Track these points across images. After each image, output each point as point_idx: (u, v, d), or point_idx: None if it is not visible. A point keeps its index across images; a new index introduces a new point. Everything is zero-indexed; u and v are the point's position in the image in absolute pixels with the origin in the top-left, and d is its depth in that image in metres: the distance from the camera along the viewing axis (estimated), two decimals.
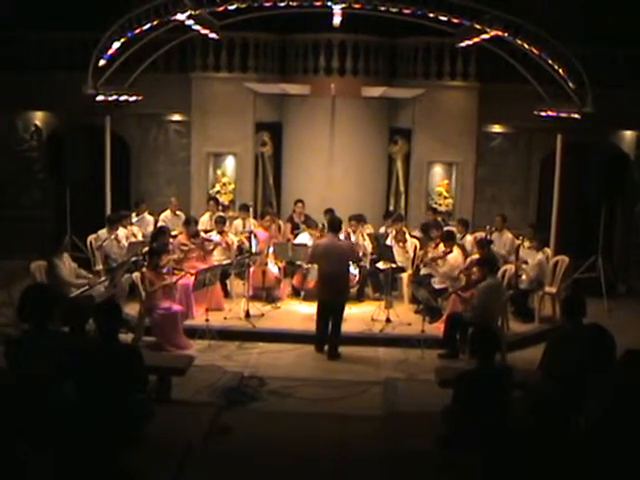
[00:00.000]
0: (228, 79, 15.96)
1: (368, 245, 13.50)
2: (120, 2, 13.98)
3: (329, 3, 12.15)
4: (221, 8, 12.07)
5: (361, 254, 13.01)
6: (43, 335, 6.35)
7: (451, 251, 12.38)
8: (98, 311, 6.77)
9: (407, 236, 13.74)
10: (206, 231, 13.64)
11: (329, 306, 11.13)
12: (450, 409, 7.09)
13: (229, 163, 16.37)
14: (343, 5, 12.20)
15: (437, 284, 12.38)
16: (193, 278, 11.54)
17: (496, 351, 6.77)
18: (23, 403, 6.12)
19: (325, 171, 15.74)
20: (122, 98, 13.43)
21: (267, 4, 12.03)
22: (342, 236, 12.22)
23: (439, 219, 14.70)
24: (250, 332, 11.74)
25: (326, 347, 11.15)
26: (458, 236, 13.15)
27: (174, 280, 11.56)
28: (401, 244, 13.52)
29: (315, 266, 12.40)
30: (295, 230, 14.47)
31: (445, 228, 13.69)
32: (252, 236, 13.11)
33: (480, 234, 13.69)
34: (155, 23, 12.35)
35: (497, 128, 16.37)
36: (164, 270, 11.49)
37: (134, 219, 14.14)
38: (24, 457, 5.96)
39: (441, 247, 12.62)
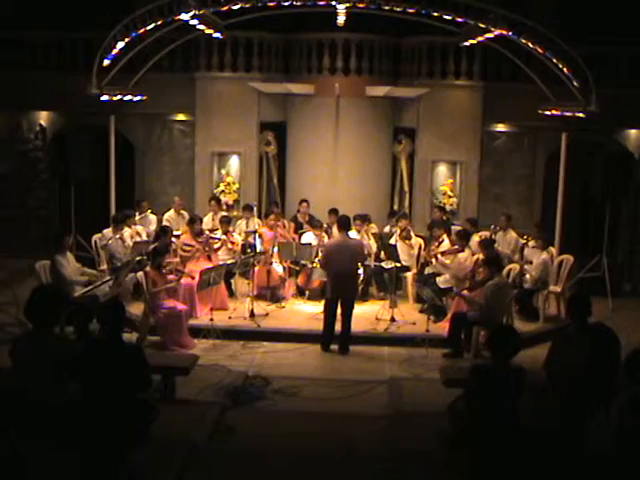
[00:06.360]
0: (232, 79, 15.95)
1: (373, 244, 13.51)
2: (124, 2, 13.99)
3: (333, 2, 12.15)
4: (225, 8, 12.07)
5: (365, 253, 13.02)
6: (47, 336, 6.35)
7: (462, 250, 12.36)
8: (102, 310, 6.77)
9: (412, 234, 13.74)
10: (210, 230, 13.65)
11: (340, 303, 11.14)
12: (459, 405, 7.10)
13: (233, 163, 16.36)
14: (347, 4, 12.21)
15: (442, 283, 12.37)
16: (198, 277, 11.54)
17: (516, 352, 6.71)
18: (25, 403, 6.14)
19: (329, 170, 15.73)
20: (126, 98, 13.43)
21: (271, 4, 12.01)
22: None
23: (444, 218, 14.69)
24: (254, 331, 11.75)
25: (334, 346, 11.21)
26: None
27: (176, 282, 11.57)
28: (407, 241, 13.52)
29: (318, 265, 12.45)
30: (298, 230, 14.48)
31: (453, 227, 13.72)
32: (256, 236, 13.11)
33: (485, 233, 13.68)
34: (159, 23, 12.35)
35: (501, 127, 16.33)
36: (167, 270, 11.50)
37: (136, 218, 14.11)
38: (26, 455, 6.00)
39: (444, 246, 12.63)
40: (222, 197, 15.85)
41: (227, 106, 15.92)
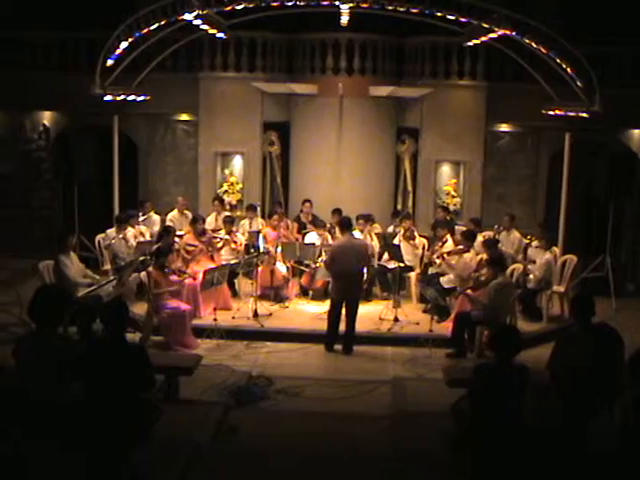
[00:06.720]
0: (236, 79, 15.96)
1: (376, 245, 13.50)
2: (128, 2, 14.00)
3: (337, 2, 12.14)
4: (229, 8, 12.07)
5: (370, 254, 13.01)
6: (51, 336, 6.35)
7: (468, 250, 12.34)
8: (105, 310, 6.77)
9: (415, 234, 13.74)
10: (213, 230, 13.65)
11: (344, 304, 11.12)
12: (462, 405, 7.10)
13: (237, 163, 16.37)
14: (351, 4, 12.20)
15: (445, 283, 12.35)
16: (201, 277, 11.54)
17: (518, 351, 6.70)
18: (28, 403, 6.14)
19: (333, 170, 15.73)
20: (130, 98, 13.43)
21: (275, 4, 12.01)
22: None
23: (448, 218, 14.68)
24: (258, 331, 11.74)
25: (337, 346, 11.19)
26: None
27: (179, 283, 11.56)
28: (410, 241, 13.51)
29: (322, 265, 12.44)
30: (302, 230, 14.47)
31: (456, 227, 13.70)
32: (260, 236, 13.12)
33: (489, 233, 13.68)
34: (163, 23, 12.36)
35: (505, 127, 16.33)
36: (170, 271, 11.49)
37: (140, 218, 14.14)
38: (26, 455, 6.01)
39: (447, 246, 12.62)
40: (225, 197, 15.86)
41: (230, 106, 15.93)
